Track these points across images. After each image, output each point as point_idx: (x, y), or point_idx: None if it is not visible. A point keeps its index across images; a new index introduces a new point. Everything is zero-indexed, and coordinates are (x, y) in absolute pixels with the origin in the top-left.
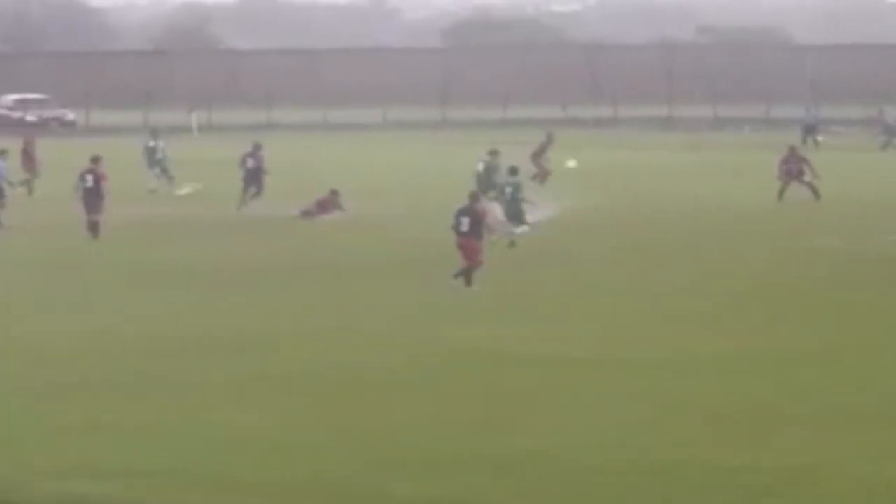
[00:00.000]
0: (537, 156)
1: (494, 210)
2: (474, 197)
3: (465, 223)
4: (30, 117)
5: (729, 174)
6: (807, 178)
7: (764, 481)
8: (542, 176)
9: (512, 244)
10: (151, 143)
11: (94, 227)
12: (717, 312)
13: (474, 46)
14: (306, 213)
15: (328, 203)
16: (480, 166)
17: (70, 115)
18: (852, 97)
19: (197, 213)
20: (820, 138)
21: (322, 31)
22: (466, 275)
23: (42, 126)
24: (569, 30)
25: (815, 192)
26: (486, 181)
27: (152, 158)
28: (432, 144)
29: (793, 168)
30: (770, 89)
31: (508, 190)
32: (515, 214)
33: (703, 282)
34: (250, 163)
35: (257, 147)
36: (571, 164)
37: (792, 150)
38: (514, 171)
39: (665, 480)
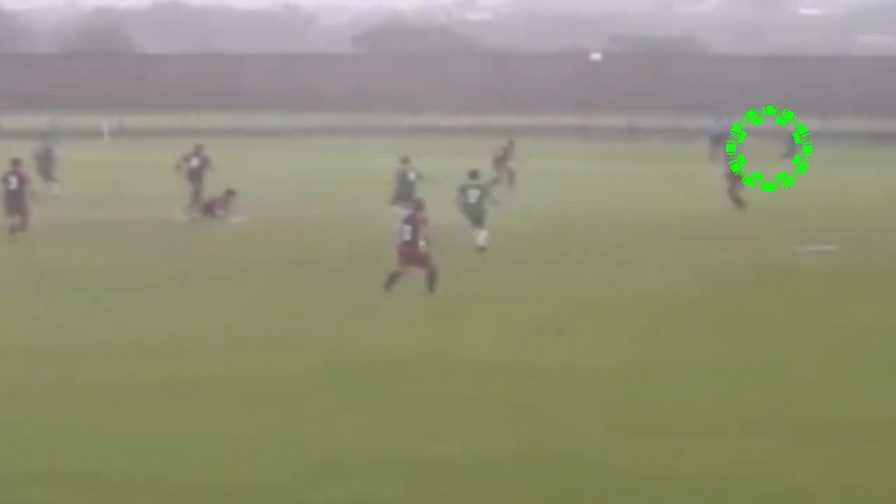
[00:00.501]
0: (500, 162)
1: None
2: (418, 205)
3: (407, 231)
4: None
5: (641, 184)
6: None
7: (673, 489)
8: (509, 180)
9: (482, 249)
10: (45, 147)
11: (18, 229)
12: (629, 322)
13: (387, 53)
14: (207, 212)
15: (221, 203)
16: (412, 175)
17: None
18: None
19: (112, 217)
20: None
21: (237, 37)
22: (430, 281)
23: None
24: (483, 38)
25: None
26: (402, 188)
27: (48, 162)
28: (347, 150)
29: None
30: (682, 99)
31: (474, 192)
32: (479, 218)
33: (619, 292)
34: (195, 162)
35: (199, 148)
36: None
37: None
38: (475, 174)
39: (572, 485)
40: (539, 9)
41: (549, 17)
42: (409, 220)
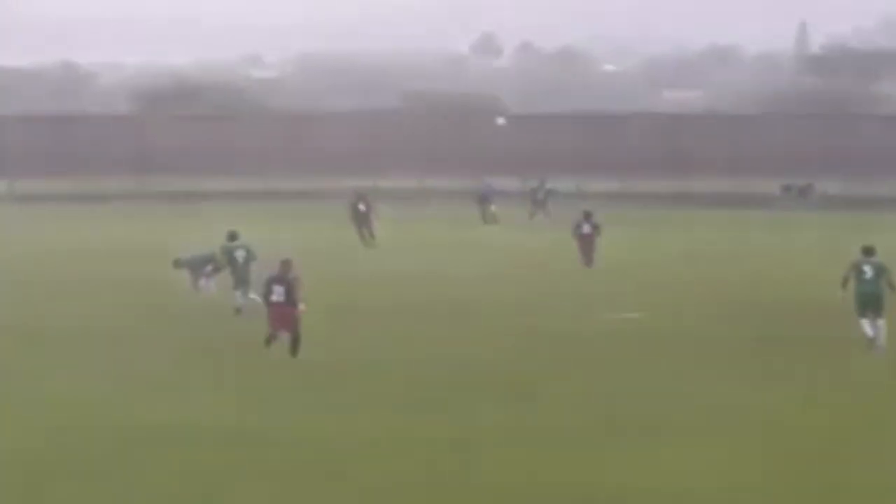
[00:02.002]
0: (364, 221)
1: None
2: (286, 266)
3: (279, 292)
4: None
5: (437, 249)
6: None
7: None
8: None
9: (238, 311)
10: None
11: None
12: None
13: (169, 115)
14: None
15: None
16: (241, 254)
17: None
18: (559, 168)
19: None
20: (493, 208)
21: (4, 98)
22: (293, 346)
23: None
24: (270, 97)
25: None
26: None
27: None
28: (124, 217)
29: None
30: (484, 160)
31: (241, 254)
32: (246, 279)
33: (423, 360)
34: None
35: None
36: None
37: (586, 214)
38: (233, 236)
39: None
40: (328, 65)
41: (338, 73)
42: (280, 281)
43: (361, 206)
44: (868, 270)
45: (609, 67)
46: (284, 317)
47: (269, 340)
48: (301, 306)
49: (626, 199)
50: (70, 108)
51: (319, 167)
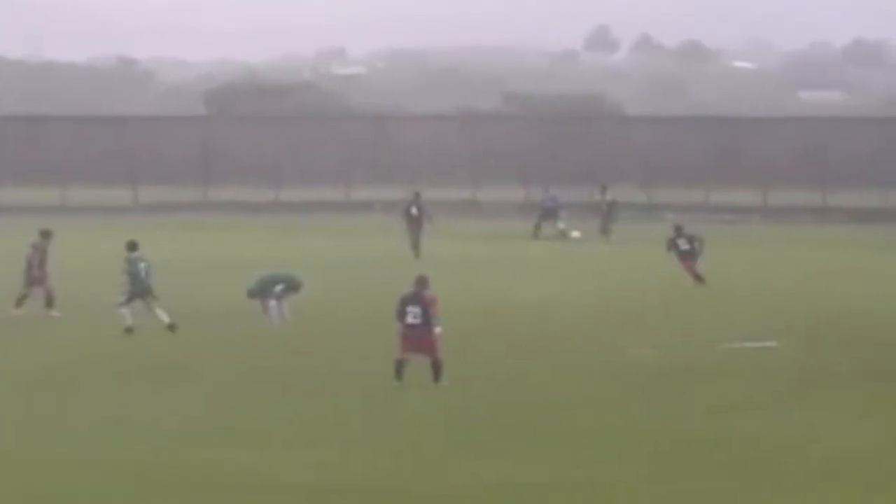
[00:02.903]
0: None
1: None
2: (422, 283)
3: (415, 313)
4: None
5: (537, 270)
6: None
7: None
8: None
9: (172, 327)
10: None
11: None
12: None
13: (240, 115)
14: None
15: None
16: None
17: None
18: (679, 177)
19: None
20: (562, 225)
21: (56, 95)
22: (436, 371)
23: None
24: (352, 96)
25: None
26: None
27: None
28: (192, 230)
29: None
30: (593, 167)
31: (142, 266)
32: (148, 291)
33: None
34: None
35: (47, 234)
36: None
37: (678, 229)
38: (133, 246)
39: None
40: (419, 62)
41: (431, 73)
42: (415, 300)
43: (413, 211)
44: None
45: (740, 64)
46: (421, 340)
47: (400, 368)
48: (437, 329)
49: (756, 212)
50: (126, 107)
51: (407, 175)
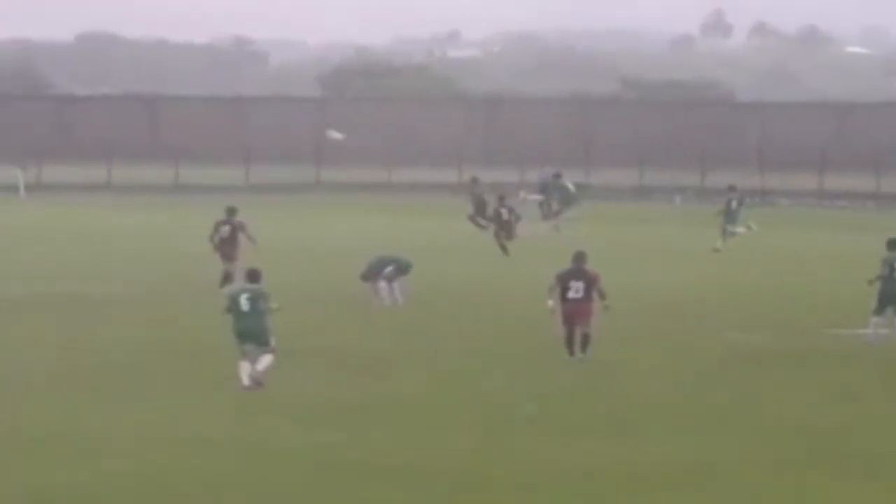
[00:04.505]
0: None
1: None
2: (581, 258)
3: (577, 287)
4: None
5: (655, 257)
6: None
7: None
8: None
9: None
10: None
11: None
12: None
13: (355, 97)
14: None
15: None
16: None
17: None
18: (796, 164)
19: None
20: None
21: (171, 75)
22: (585, 342)
23: None
24: (466, 79)
25: None
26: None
27: None
28: (305, 211)
29: None
30: (707, 152)
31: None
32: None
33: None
34: (225, 231)
35: (232, 211)
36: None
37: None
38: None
39: None
40: (535, 45)
41: (547, 56)
42: (577, 275)
43: (504, 213)
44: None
45: (854, 50)
46: (581, 313)
47: (571, 342)
48: (606, 303)
49: (869, 198)
50: (241, 88)
51: (522, 157)
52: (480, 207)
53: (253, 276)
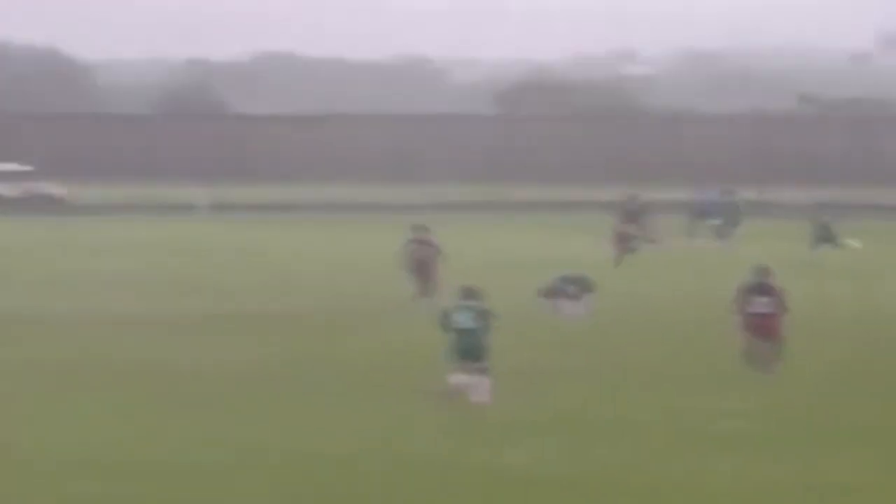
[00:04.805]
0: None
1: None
2: (765, 273)
3: (764, 303)
4: (9, 192)
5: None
6: None
7: None
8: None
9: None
10: None
11: None
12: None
13: (531, 115)
14: None
15: None
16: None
17: (56, 190)
18: None
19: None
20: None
21: (350, 94)
22: (775, 354)
23: (25, 203)
24: (641, 96)
25: None
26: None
27: None
28: (489, 229)
29: None
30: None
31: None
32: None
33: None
34: (415, 248)
35: (421, 229)
36: (855, 244)
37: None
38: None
39: None
40: (711, 62)
41: (721, 72)
42: (763, 290)
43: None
44: None
45: None
46: (770, 328)
47: (752, 355)
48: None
49: None
50: (418, 106)
51: (700, 174)
52: (632, 222)
53: (471, 293)
